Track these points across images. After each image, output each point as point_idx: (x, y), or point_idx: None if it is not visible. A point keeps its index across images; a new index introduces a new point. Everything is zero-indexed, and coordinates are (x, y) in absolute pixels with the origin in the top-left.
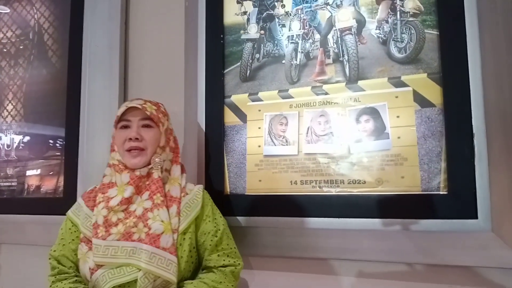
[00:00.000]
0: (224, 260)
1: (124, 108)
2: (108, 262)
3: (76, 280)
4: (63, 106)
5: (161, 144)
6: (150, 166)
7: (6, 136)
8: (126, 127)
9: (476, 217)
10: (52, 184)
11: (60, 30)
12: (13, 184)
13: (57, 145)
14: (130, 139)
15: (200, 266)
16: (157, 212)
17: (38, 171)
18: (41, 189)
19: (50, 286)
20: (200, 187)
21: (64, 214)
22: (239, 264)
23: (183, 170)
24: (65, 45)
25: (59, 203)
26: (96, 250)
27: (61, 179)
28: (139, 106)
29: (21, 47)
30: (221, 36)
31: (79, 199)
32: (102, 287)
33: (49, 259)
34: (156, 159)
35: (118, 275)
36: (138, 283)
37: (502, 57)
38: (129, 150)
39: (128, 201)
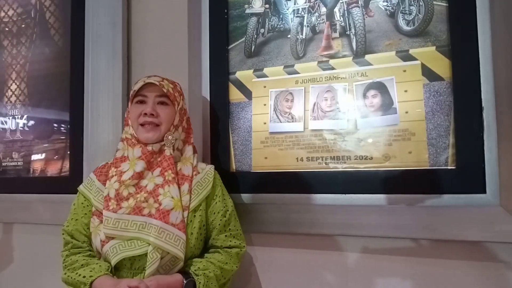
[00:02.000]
0: (230, 241)
1: (141, 83)
2: (118, 235)
3: (90, 254)
4: (67, 84)
5: (175, 122)
6: (162, 143)
7: (10, 117)
8: (142, 102)
9: (484, 191)
10: (56, 169)
11: (61, 7)
12: (19, 163)
13: (62, 129)
14: (146, 114)
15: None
16: (168, 188)
17: (43, 155)
18: (47, 173)
19: (64, 259)
20: (212, 167)
21: (71, 193)
22: (244, 246)
23: (194, 151)
24: (67, 23)
25: (65, 182)
26: (107, 222)
27: (66, 163)
28: (157, 83)
29: (23, 26)
30: (225, 11)
31: (91, 174)
32: (112, 257)
33: (62, 234)
34: (169, 136)
35: (129, 247)
36: (148, 257)
37: None
38: (142, 125)
39: (140, 176)
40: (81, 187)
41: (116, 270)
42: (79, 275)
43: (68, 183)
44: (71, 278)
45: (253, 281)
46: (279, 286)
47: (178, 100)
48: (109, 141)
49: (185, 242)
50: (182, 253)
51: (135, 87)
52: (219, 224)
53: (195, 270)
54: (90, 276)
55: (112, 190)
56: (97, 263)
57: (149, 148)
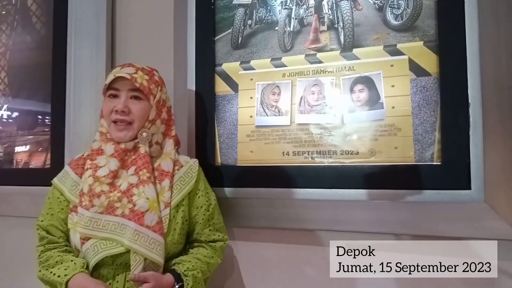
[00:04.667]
0: (214, 235)
1: (112, 77)
2: (91, 234)
3: (66, 249)
4: (49, 74)
5: (151, 117)
6: (136, 140)
7: None
8: (114, 96)
9: (469, 188)
10: (40, 161)
11: None
12: None
13: (46, 121)
14: (117, 111)
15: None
16: (143, 188)
17: (26, 147)
18: (30, 165)
19: (39, 255)
20: (196, 161)
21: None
22: (226, 239)
23: (177, 143)
24: (50, 10)
25: (46, 174)
26: (80, 219)
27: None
28: (128, 76)
29: (3, 12)
30: (212, 1)
31: (66, 167)
32: (93, 257)
33: (37, 229)
34: (144, 133)
35: (110, 246)
36: (131, 260)
37: (501, 25)
38: (115, 122)
39: (115, 174)
40: (55, 180)
41: (98, 267)
42: (54, 274)
43: (50, 175)
44: (46, 277)
45: (237, 276)
46: (264, 281)
47: (154, 92)
48: (91, 133)
49: (162, 245)
50: (158, 256)
51: (106, 81)
52: (202, 219)
53: (184, 271)
54: (65, 275)
55: (86, 185)
56: (72, 260)
57: (122, 146)
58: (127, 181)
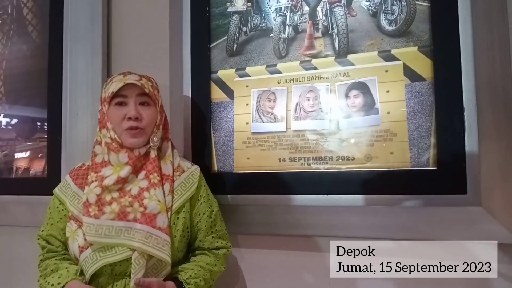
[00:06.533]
0: (217, 242)
1: (121, 84)
2: (101, 242)
3: (64, 258)
4: (45, 82)
5: (157, 122)
6: (148, 146)
7: None
8: (122, 103)
9: (465, 192)
10: (38, 169)
11: (39, 3)
12: None
13: (45, 127)
14: (130, 118)
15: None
16: (154, 191)
17: (25, 155)
18: (28, 173)
19: (39, 265)
20: (197, 168)
21: (49, 194)
22: (230, 246)
23: (173, 147)
24: (45, 19)
25: (43, 183)
26: (89, 229)
27: None
28: (138, 83)
29: None
30: (207, 8)
31: (67, 177)
32: (91, 265)
33: (38, 239)
34: (154, 138)
35: (109, 253)
36: (132, 264)
37: (494, 29)
38: (127, 129)
39: (124, 180)
40: (56, 190)
41: (96, 277)
42: (49, 283)
43: (46, 184)
44: (43, 286)
45: (234, 282)
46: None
47: (158, 98)
48: (88, 140)
49: (170, 246)
50: (169, 257)
51: (114, 88)
52: (205, 226)
53: (186, 279)
54: (58, 284)
55: (92, 195)
56: (66, 268)
57: (136, 153)
58: (138, 185)
